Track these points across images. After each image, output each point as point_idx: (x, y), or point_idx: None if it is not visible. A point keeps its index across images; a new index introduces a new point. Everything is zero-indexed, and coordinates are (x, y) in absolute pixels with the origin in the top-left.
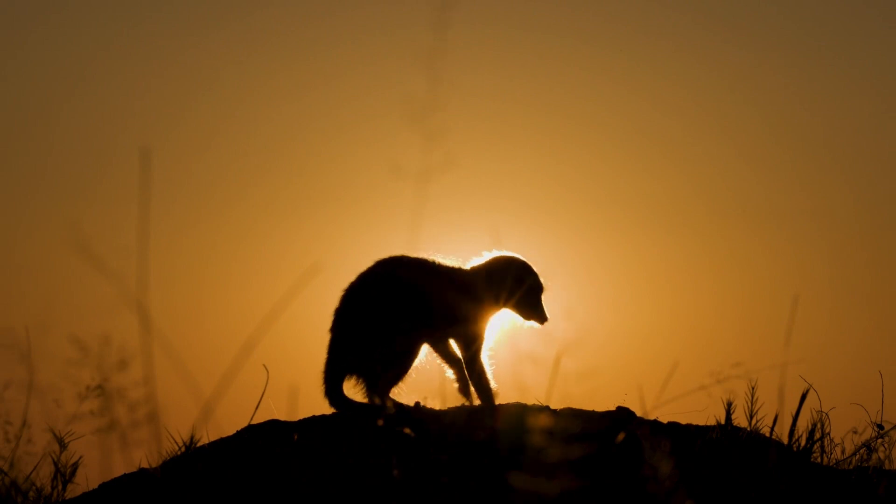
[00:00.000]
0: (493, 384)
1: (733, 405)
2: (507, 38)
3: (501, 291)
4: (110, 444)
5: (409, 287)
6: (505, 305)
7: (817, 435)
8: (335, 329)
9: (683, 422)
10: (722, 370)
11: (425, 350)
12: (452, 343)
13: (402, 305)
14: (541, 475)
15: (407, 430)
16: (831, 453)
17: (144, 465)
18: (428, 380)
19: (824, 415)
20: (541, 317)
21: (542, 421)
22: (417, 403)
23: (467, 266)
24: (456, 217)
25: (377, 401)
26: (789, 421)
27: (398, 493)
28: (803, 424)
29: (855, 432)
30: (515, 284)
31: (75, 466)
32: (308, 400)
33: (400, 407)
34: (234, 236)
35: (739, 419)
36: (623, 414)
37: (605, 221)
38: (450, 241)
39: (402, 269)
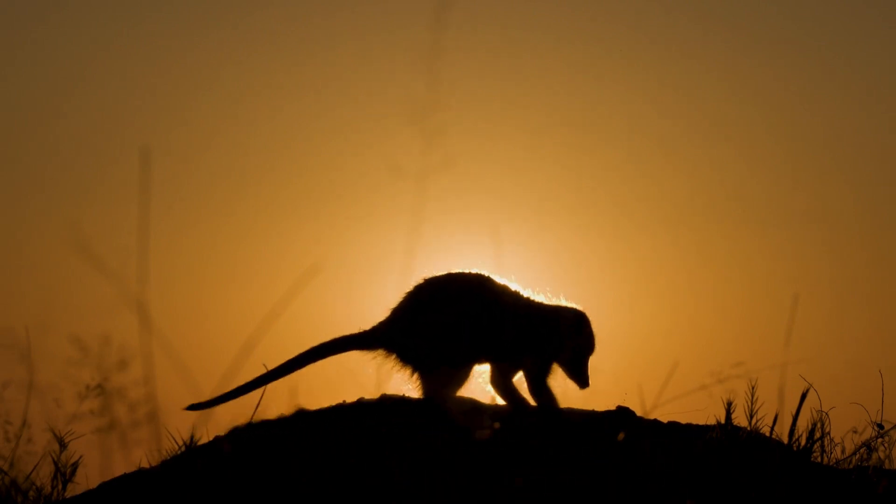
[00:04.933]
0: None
1: (733, 405)
2: (506, 38)
3: (553, 342)
4: (110, 443)
5: (489, 313)
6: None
7: (817, 434)
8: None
9: (683, 422)
10: (722, 370)
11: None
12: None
13: (474, 329)
14: (542, 475)
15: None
16: (831, 453)
17: (144, 464)
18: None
19: (824, 414)
20: (582, 381)
21: (543, 421)
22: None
23: (540, 300)
24: (456, 217)
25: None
26: (789, 420)
27: (398, 493)
28: (803, 424)
29: (855, 432)
30: (565, 339)
31: (75, 466)
32: (308, 400)
33: (402, 406)
34: (234, 236)
35: (739, 419)
36: (623, 414)
37: (605, 221)
38: (450, 241)
39: (488, 291)
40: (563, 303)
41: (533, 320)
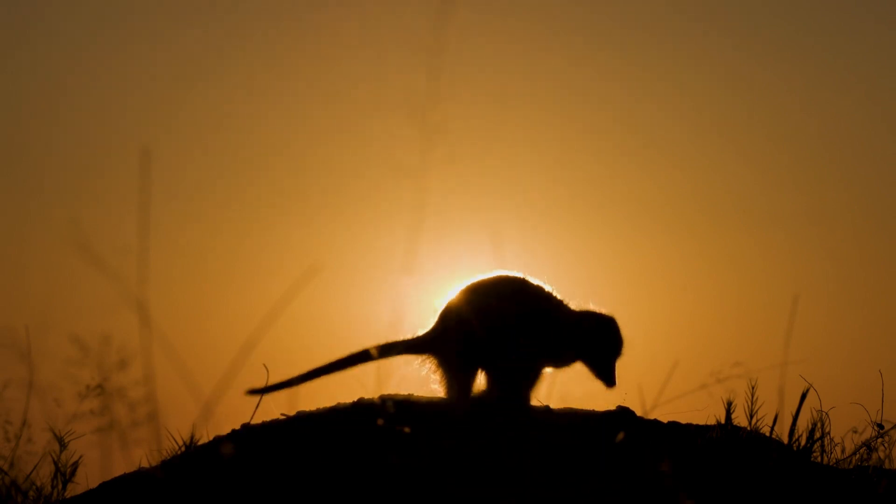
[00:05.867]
0: None
1: (733, 405)
2: (508, 35)
3: (582, 346)
4: (110, 443)
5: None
6: (580, 359)
7: (817, 434)
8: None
9: (683, 422)
10: (722, 370)
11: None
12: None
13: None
14: (541, 475)
15: (406, 429)
16: (831, 453)
17: (144, 464)
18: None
19: (824, 414)
20: (609, 381)
21: (543, 421)
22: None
23: (566, 303)
24: (457, 215)
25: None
26: (789, 420)
27: (398, 492)
28: (803, 424)
29: (855, 432)
30: (598, 344)
31: (75, 466)
32: (308, 400)
33: (400, 404)
34: (234, 236)
35: (739, 419)
36: (623, 414)
37: (605, 221)
38: (451, 239)
39: (525, 297)
40: (593, 307)
41: (570, 326)
